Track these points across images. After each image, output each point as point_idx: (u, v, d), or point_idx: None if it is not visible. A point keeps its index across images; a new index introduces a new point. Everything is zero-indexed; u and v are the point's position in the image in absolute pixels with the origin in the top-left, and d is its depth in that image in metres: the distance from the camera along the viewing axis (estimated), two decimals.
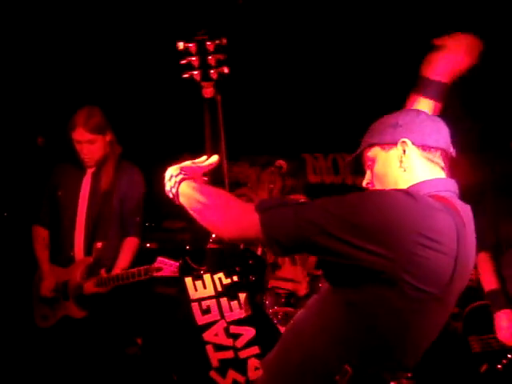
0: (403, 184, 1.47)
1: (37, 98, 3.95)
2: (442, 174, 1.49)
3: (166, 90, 4.78)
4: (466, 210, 1.45)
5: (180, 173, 1.59)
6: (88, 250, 2.85)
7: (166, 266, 2.56)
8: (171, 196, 1.58)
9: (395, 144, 1.49)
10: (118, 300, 2.92)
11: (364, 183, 1.58)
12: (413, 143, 1.48)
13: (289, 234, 1.35)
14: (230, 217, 1.46)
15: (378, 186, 1.54)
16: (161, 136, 5.31)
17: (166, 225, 5.32)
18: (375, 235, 1.27)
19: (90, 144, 2.85)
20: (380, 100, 4.84)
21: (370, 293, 1.33)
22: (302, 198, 2.03)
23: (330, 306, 1.42)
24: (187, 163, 1.64)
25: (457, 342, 3.06)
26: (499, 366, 2.79)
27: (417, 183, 1.46)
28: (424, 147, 1.48)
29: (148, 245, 2.71)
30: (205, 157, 1.63)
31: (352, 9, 3.76)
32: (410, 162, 1.47)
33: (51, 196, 2.99)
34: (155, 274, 2.57)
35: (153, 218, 5.00)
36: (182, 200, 1.56)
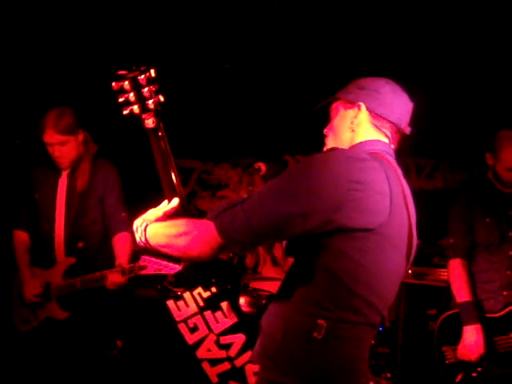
0: (348, 140, 1.68)
1: (13, 101, 3.91)
2: (385, 140, 1.68)
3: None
4: (398, 166, 1.66)
5: (143, 221, 1.66)
6: (68, 250, 2.82)
7: (150, 264, 2.54)
8: (142, 245, 1.69)
9: (354, 104, 1.68)
10: (99, 302, 2.90)
11: (324, 130, 1.77)
12: (367, 108, 1.66)
13: (243, 229, 1.43)
14: (192, 237, 1.54)
15: (330, 136, 1.74)
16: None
17: None
18: (311, 196, 1.40)
19: (62, 146, 2.80)
20: None
21: (326, 248, 1.47)
22: None
23: (293, 276, 1.54)
24: (150, 211, 1.69)
25: (432, 349, 3.05)
26: (474, 375, 2.78)
27: (360, 142, 1.66)
28: (376, 115, 1.66)
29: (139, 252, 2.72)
30: (165, 202, 1.70)
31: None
32: (359, 124, 1.67)
33: (29, 200, 2.96)
34: (140, 273, 2.55)
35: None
36: (152, 243, 1.67)
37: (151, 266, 2.55)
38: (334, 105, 1.75)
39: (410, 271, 4.41)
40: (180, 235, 1.57)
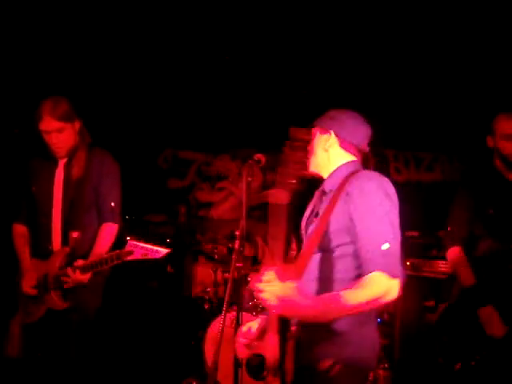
0: (324, 158, 2.11)
1: (12, 90, 3.90)
2: (354, 159, 2.09)
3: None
4: None
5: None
6: (65, 240, 2.81)
7: (137, 249, 2.51)
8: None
9: (326, 131, 2.11)
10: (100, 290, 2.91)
11: (308, 147, 2.18)
12: (336, 135, 2.09)
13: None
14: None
15: (310, 158, 2.15)
16: (140, 129, 5.30)
17: (147, 218, 5.32)
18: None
19: (59, 133, 2.76)
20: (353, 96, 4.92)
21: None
22: (283, 193, 2.10)
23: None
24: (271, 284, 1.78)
25: (431, 338, 3.06)
26: (472, 363, 2.79)
27: (339, 166, 2.08)
28: (342, 140, 2.08)
29: (128, 238, 2.66)
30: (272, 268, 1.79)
31: None
32: (330, 147, 2.09)
33: (26, 192, 2.94)
34: (127, 258, 2.52)
35: (133, 211, 4.99)
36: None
37: (137, 251, 2.55)
38: (313, 130, 2.17)
39: (408, 263, 4.43)
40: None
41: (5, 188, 3.55)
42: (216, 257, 4.65)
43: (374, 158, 5.31)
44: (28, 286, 2.83)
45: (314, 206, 2.12)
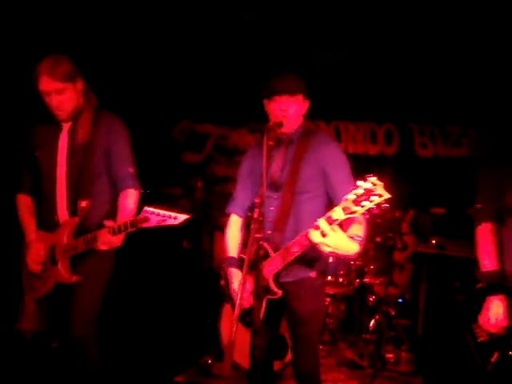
0: (298, 122, 2.55)
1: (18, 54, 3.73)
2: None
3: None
4: None
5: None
6: (72, 210, 2.62)
7: (153, 216, 2.31)
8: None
9: (307, 99, 2.53)
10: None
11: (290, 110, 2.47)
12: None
13: None
14: None
15: (289, 120, 2.45)
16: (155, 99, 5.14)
17: (165, 191, 5.18)
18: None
19: (59, 94, 2.53)
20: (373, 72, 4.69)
21: None
22: None
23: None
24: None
25: (458, 324, 2.86)
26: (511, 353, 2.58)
27: (301, 123, 2.60)
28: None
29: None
30: None
31: None
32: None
33: (30, 160, 2.74)
34: (142, 226, 2.33)
35: (147, 184, 4.85)
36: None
37: (153, 218, 2.36)
38: (297, 96, 2.49)
39: (433, 241, 4.24)
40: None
41: (7, 157, 3.41)
42: None
43: (398, 133, 5.11)
44: (33, 261, 2.66)
45: (276, 154, 2.50)
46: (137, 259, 4.42)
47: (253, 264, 2.03)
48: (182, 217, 2.31)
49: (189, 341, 4.13)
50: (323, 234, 2.11)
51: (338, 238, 2.12)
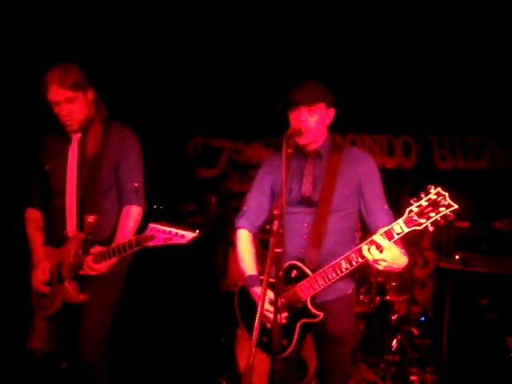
0: (322, 132, 2.42)
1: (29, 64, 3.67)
2: None
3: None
4: None
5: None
6: (81, 225, 2.50)
7: (159, 233, 2.19)
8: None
9: (331, 107, 2.41)
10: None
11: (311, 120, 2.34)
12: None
13: None
14: None
15: (310, 130, 2.34)
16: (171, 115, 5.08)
17: (176, 207, 5.07)
18: None
19: (69, 103, 2.44)
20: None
21: None
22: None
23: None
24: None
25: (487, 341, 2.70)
26: None
27: (327, 135, 2.49)
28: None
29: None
30: None
31: None
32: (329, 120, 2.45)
33: (40, 172, 2.64)
34: (148, 244, 2.21)
35: (160, 200, 4.76)
36: None
37: (160, 236, 2.23)
38: (318, 105, 2.37)
39: (456, 257, 4.07)
40: None
41: (15, 170, 3.31)
42: None
43: (416, 145, 4.98)
44: (39, 281, 2.54)
45: (306, 169, 2.38)
46: (147, 277, 4.31)
47: (276, 282, 1.90)
48: (189, 235, 2.18)
49: (203, 362, 3.98)
50: (380, 250, 2.06)
51: (394, 252, 2.08)
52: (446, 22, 3.80)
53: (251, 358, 1.71)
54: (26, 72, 3.63)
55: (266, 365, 1.97)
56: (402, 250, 2.18)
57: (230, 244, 4.88)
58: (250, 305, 2.36)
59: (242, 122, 5.14)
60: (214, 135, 5.38)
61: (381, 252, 2.07)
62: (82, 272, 2.41)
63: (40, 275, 2.54)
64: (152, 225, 2.20)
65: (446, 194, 1.98)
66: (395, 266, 2.11)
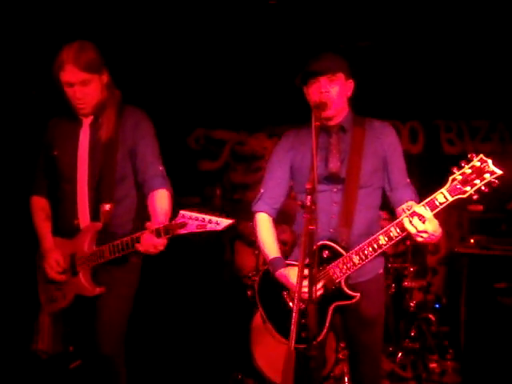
0: (343, 104, 2.32)
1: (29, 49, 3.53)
2: None
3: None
4: None
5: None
6: (95, 214, 2.35)
7: (191, 220, 2.04)
8: None
9: (350, 78, 2.32)
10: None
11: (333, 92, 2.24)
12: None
13: None
14: None
15: (334, 101, 2.25)
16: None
17: (182, 201, 4.95)
18: None
19: (84, 86, 2.28)
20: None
21: None
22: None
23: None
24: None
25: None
26: None
27: (349, 108, 2.39)
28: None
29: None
30: None
31: None
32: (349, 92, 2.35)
33: (47, 158, 2.48)
34: (179, 232, 2.05)
35: None
36: None
37: (192, 223, 2.08)
38: (338, 75, 2.27)
39: (471, 240, 3.98)
40: None
41: (21, 156, 3.16)
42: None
43: (423, 131, 4.89)
44: (54, 270, 2.39)
45: (332, 144, 2.26)
46: (155, 271, 4.20)
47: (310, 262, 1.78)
48: (225, 221, 2.04)
49: (218, 356, 3.88)
50: (423, 221, 1.98)
51: (435, 223, 2.01)
52: (453, 7, 3.74)
53: (292, 341, 1.60)
54: (27, 58, 3.50)
55: (278, 353, 1.86)
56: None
57: (236, 237, 4.78)
58: (273, 290, 2.25)
59: (245, 113, 5.03)
60: (216, 127, 5.26)
61: (423, 223, 1.97)
62: (142, 249, 2.19)
63: (54, 264, 2.39)
64: (183, 211, 2.06)
65: (490, 160, 1.90)
66: (434, 237, 2.03)
